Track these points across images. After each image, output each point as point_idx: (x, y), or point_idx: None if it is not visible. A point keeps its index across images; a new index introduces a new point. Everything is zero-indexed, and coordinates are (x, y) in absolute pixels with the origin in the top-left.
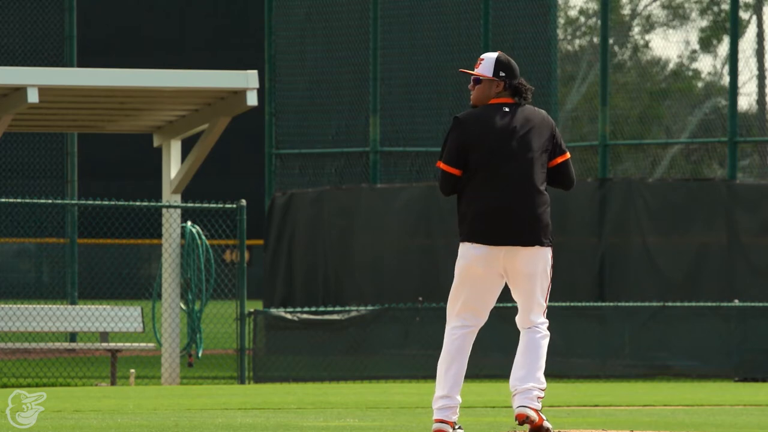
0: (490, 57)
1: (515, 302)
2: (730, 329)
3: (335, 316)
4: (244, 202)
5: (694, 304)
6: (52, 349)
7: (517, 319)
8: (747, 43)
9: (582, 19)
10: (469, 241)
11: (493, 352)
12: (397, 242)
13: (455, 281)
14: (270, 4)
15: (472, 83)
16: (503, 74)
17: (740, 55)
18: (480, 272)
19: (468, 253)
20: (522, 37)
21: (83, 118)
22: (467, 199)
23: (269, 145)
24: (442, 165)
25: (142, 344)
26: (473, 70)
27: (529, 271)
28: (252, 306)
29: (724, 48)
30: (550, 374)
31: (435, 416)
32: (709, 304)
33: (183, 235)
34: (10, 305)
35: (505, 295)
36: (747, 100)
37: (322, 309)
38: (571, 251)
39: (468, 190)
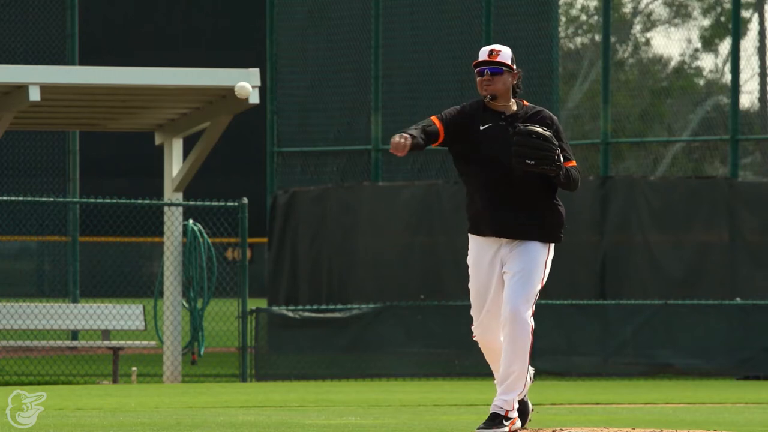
0: (504, 48)
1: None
2: (731, 327)
3: (337, 314)
4: (245, 200)
5: (695, 302)
6: (54, 347)
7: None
8: (749, 41)
9: (583, 17)
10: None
11: None
12: (399, 240)
13: (544, 277)
14: (272, 2)
15: (488, 75)
16: (516, 67)
17: (742, 53)
18: None
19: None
20: (524, 35)
21: (85, 116)
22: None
23: (271, 143)
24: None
25: (144, 342)
26: (479, 63)
27: None
28: (254, 304)
29: (725, 46)
30: (552, 372)
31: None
32: (711, 302)
33: (185, 233)
34: (12, 303)
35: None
36: (749, 98)
37: (323, 307)
38: (572, 249)
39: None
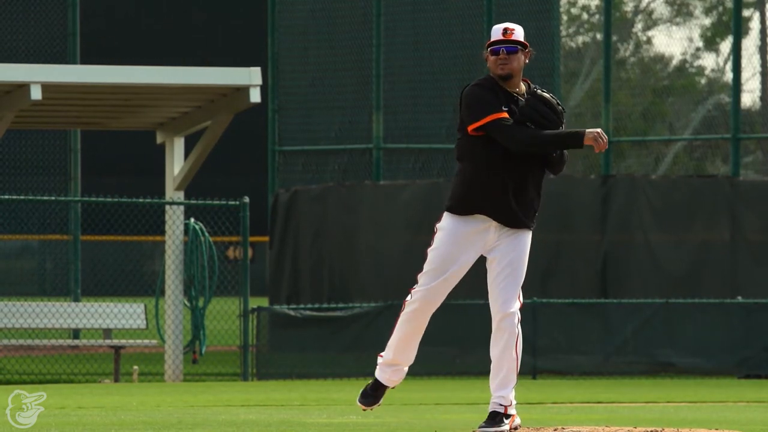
0: (517, 26)
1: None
2: (733, 326)
3: (339, 313)
4: (246, 198)
5: (697, 300)
6: (56, 345)
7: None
8: (750, 40)
9: (585, 15)
10: None
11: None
12: (401, 239)
13: None
14: (273, 1)
15: (504, 54)
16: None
17: (743, 52)
18: None
19: None
20: (525, 33)
21: (86, 115)
22: None
23: (272, 141)
24: None
25: (146, 341)
26: (494, 42)
27: None
28: (255, 303)
29: (726, 45)
30: (552, 371)
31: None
32: (712, 300)
33: (186, 231)
34: (14, 302)
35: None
36: (750, 96)
37: (325, 306)
38: (573, 248)
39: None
